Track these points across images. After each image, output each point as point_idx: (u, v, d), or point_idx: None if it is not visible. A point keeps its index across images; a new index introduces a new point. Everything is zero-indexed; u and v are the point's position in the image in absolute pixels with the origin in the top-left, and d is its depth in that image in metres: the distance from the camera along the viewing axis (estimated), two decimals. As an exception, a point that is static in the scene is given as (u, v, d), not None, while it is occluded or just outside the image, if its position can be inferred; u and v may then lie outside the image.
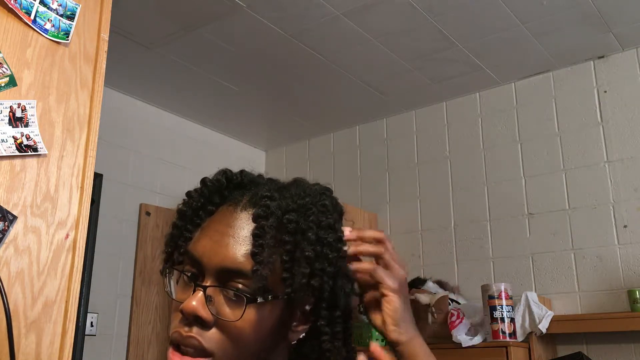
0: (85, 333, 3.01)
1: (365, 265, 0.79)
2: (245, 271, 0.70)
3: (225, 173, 0.82)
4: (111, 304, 3.19)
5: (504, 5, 2.63)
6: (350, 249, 0.78)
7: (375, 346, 0.76)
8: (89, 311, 3.04)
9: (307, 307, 0.76)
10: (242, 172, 0.83)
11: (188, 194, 0.81)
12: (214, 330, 0.71)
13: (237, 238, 0.72)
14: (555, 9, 2.65)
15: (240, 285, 0.71)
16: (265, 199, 0.74)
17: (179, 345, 0.72)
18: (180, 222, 0.80)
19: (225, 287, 0.71)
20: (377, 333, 0.86)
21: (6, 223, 1.23)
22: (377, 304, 0.79)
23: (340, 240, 0.76)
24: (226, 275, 0.72)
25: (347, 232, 0.79)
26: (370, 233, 0.81)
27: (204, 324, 0.71)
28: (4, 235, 1.23)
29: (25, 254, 1.26)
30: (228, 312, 0.71)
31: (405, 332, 0.78)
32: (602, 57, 3.05)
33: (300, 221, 0.73)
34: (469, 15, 2.71)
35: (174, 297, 0.76)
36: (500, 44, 2.94)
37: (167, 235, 0.81)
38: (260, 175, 0.84)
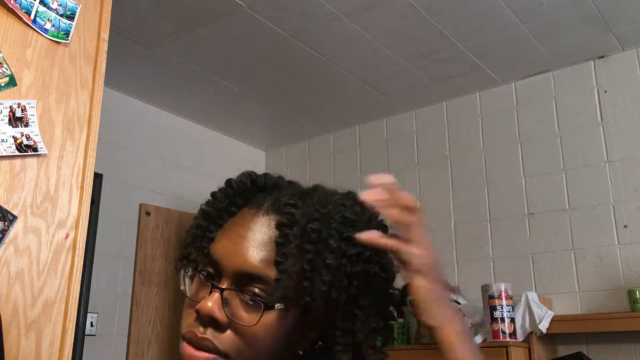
0: (85, 333, 3.01)
1: (386, 241, 0.73)
2: (264, 277, 0.71)
3: (250, 175, 0.82)
4: (111, 304, 3.19)
5: (504, 5, 2.63)
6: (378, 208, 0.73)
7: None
8: (89, 311, 3.04)
9: (320, 315, 0.75)
10: (266, 175, 0.83)
11: (213, 194, 0.81)
12: (228, 333, 0.72)
13: (257, 243, 0.73)
14: (555, 9, 2.65)
15: (257, 290, 0.72)
16: (289, 206, 0.74)
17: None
18: (204, 223, 0.80)
19: (242, 291, 0.72)
20: None
21: (6, 223, 1.23)
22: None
23: (360, 256, 0.74)
24: (244, 279, 0.72)
25: (378, 179, 0.74)
26: (406, 197, 0.74)
27: (218, 326, 0.72)
28: (4, 235, 1.23)
29: (25, 254, 1.26)
30: (244, 316, 0.72)
31: (435, 317, 0.73)
32: (602, 57, 3.05)
33: (323, 230, 0.73)
34: (469, 15, 2.70)
35: (188, 294, 0.77)
36: (500, 44, 2.94)
37: (189, 234, 0.81)
38: (281, 177, 0.84)
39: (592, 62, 3.08)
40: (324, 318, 0.75)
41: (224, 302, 0.72)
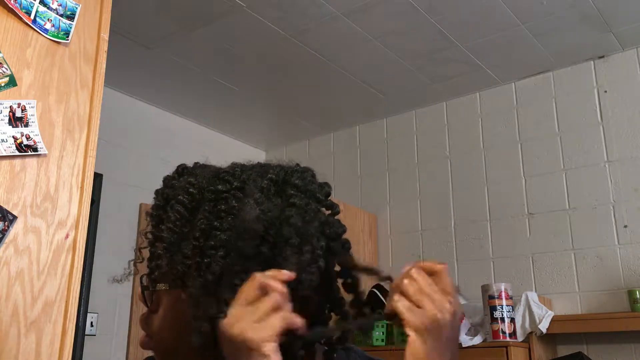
0: (85, 333, 3.01)
1: (393, 303, 0.70)
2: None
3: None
4: (111, 304, 3.19)
5: (504, 5, 2.63)
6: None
7: None
8: (89, 311, 3.04)
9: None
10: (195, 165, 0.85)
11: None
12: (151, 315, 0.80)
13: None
14: (555, 9, 2.65)
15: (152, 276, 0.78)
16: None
17: None
18: None
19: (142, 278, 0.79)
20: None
21: (6, 223, 1.23)
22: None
23: (204, 233, 0.70)
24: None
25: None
26: (427, 264, 0.72)
27: (149, 310, 0.80)
28: (4, 235, 1.23)
29: (25, 254, 1.26)
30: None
31: None
32: (602, 57, 3.05)
33: (162, 213, 0.77)
34: (469, 15, 2.70)
35: None
36: (500, 44, 2.94)
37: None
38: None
39: (592, 62, 3.08)
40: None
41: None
